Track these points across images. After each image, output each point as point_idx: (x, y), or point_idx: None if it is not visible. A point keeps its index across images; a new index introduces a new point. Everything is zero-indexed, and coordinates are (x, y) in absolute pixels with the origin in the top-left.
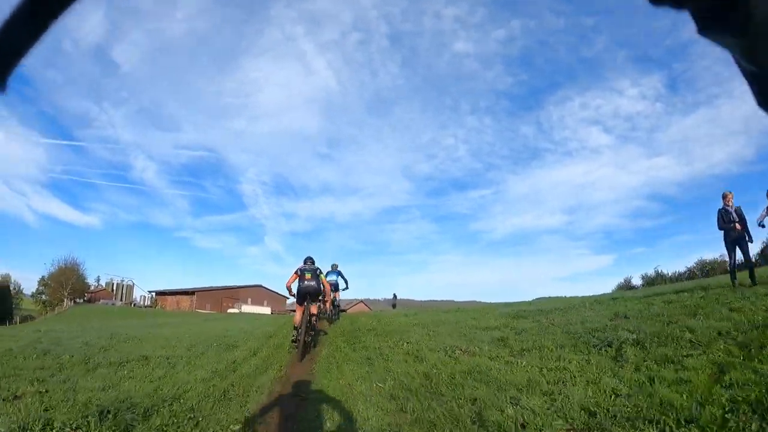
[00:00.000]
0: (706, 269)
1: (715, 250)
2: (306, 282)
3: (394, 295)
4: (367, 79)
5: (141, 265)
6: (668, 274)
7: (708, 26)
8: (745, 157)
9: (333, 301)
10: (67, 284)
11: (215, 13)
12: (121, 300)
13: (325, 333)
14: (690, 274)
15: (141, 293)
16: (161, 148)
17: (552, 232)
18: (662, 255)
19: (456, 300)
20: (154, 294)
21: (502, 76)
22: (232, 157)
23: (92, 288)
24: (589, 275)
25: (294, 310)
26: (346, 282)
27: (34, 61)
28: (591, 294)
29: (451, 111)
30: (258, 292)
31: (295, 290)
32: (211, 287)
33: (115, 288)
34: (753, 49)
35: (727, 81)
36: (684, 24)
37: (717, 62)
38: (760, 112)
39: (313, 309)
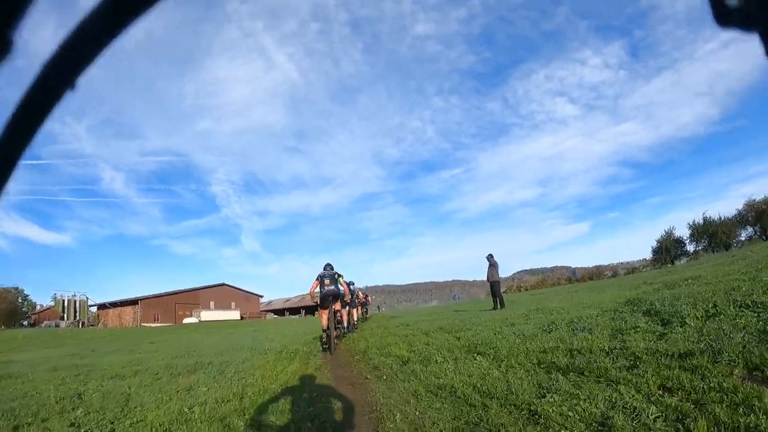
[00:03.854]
0: (759, 211)
1: (697, 204)
2: (326, 287)
3: (492, 261)
4: (330, 69)
5: (118, 279)
6: (717, 220)
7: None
8: (711, 117)
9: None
10: None
11: (170, 13)
12: (75, 317)
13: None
14: (741, 218)
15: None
16: (127, 157)
17: (526, 206)
18: (636, 217)
19: (437, 281)
20: (96, 309)
21: (465, 55)
22: (200, 159)
23: (38, 309)
24: (566, 245)
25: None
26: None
27: None
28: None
29: (417, 94)
30: (223, 293)
31: (318, 297)
32: (161, 293)
33: (66, 306)
34: None
35: (688, 44)
36: None
37: (678, 26)
38: (722, 73)
39: (336, 306)
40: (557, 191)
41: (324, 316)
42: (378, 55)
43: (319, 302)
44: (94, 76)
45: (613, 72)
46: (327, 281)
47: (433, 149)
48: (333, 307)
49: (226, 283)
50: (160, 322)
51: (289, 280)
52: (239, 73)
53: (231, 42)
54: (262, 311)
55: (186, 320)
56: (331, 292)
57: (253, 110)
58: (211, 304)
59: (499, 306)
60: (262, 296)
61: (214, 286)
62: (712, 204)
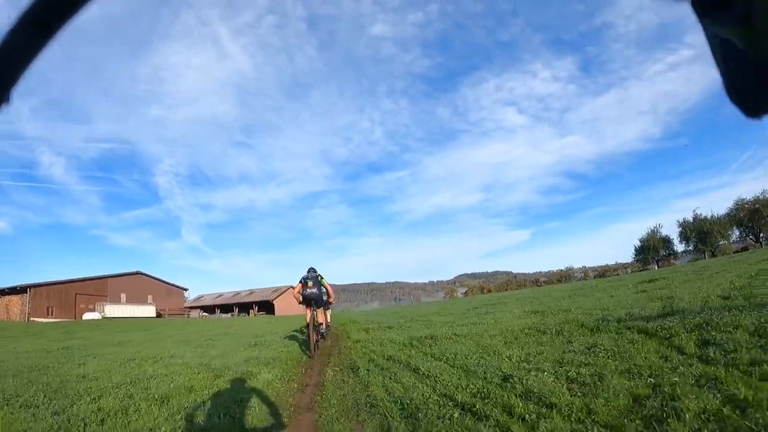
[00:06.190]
0: (752, 210)
1: (641, 218)
2: (308, 290)
3: None
4: (284, 63)
5: (52, 271)
6: (707, 217)
7: (707, 14)
8: (653, 135)
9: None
10: None
11: None
12: None
13: None
14: (733, 217)
15: None
16: (70, 142)
17: (470, 210)
18: (577, 228)
19: (377, 282)
20: None
21: (419, 59)
22: (146, 148)
23: None
24: (508, 250)
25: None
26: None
27: None
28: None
29: (369, 94)
30: (138, 284)
31: (301, 297)
32: (57, 281)
33: None
34: (756, 41)
35: (636, 64)
36: (599, 9)
37: (629, 46)
38: (667, 93)
39: (320, 316)
40: (501, 198)
41: (308, 313)
42: (333, 53)
43: (303, 302)
44: (46, 53)
45: (562, 85)
46: (310, 283)
47: (381, 150)
48: (315, 312)
49: (142, 271)
50: (55, 317)
51: (233, 276)
52: (193, 60)
53: (187, 29)
54: (186, 307)
55: (87, 315)
56: (312, 295)
57: (203, 100)
58: (122, 296)
59: None
60: (186, 289)
61: (127, 274)
62: (651, 218)
